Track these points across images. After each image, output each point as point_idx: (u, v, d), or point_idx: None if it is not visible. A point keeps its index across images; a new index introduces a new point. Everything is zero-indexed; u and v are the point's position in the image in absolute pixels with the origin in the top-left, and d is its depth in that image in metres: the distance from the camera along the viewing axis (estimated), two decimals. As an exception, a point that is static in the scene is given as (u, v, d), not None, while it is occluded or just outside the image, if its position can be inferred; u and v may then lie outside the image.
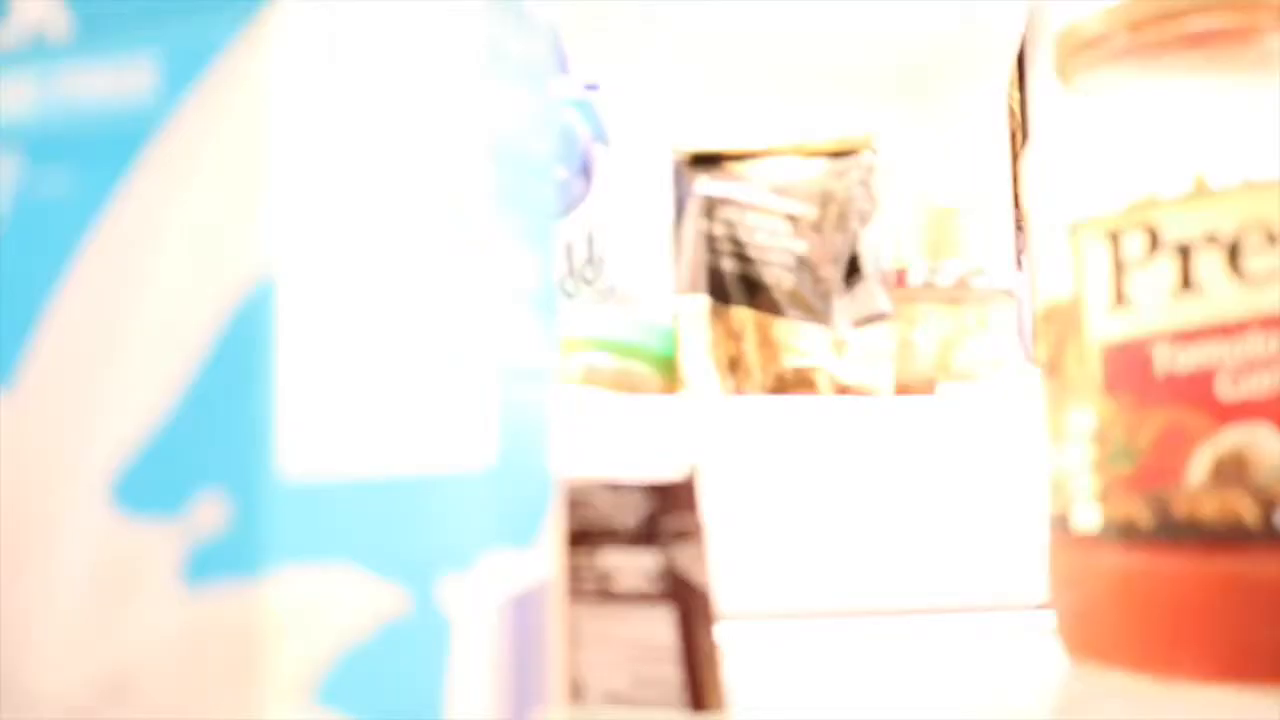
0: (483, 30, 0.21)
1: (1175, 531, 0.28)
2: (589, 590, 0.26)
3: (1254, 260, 0.28)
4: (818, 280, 0.60)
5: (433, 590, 0.18)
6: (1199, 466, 0.28)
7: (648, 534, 0.25)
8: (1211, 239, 0.29)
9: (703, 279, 0.61)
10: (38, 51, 0.17)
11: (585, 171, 0.69)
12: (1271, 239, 0.28)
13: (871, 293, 0.60)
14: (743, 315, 0.60)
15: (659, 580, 0.25)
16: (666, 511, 0.25)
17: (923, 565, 0.52)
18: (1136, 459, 0.29)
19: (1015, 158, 0.85)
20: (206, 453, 0.15)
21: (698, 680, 0.26)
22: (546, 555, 0.23)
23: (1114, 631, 0.30)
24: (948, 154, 0.85)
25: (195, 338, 0.15)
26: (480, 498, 0.20)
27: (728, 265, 0.61)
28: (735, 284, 0.60)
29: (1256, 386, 0.28)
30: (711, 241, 0.61)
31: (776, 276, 0.60)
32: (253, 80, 0.16)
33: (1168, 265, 0.29)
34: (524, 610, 0.21)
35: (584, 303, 0.71)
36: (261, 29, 0.16)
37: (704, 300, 0.61)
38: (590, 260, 0.72)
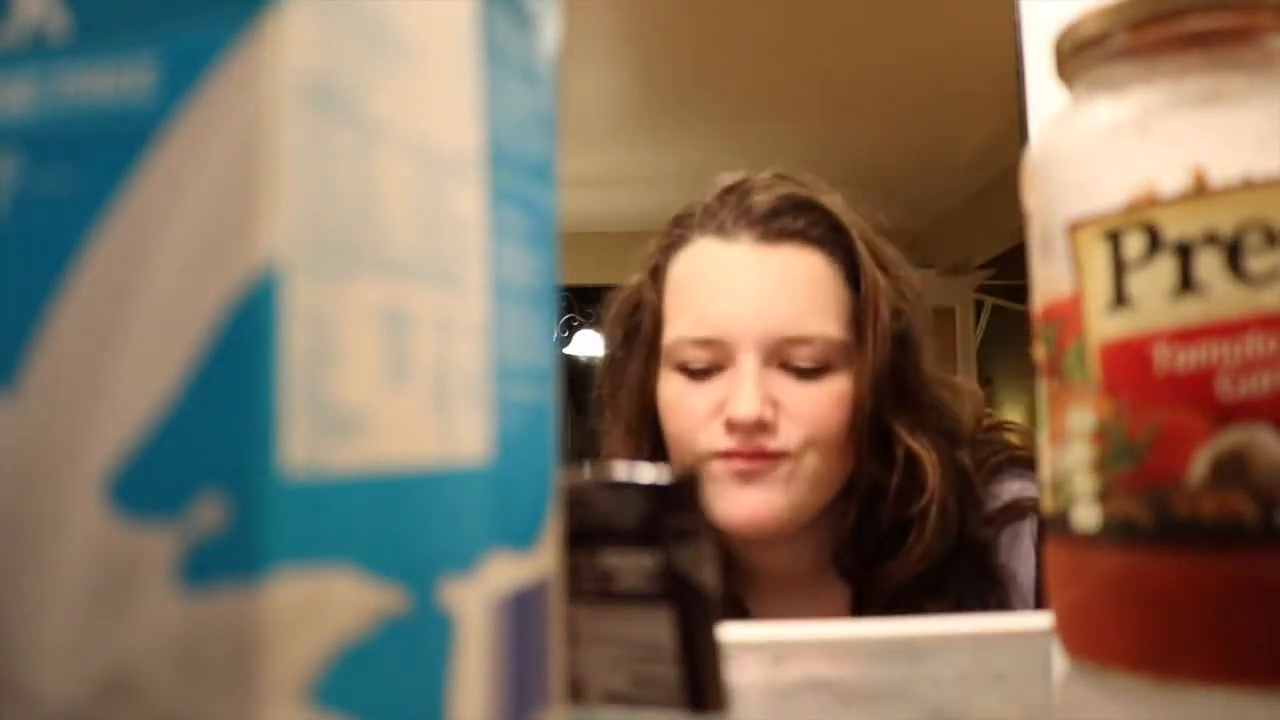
0: (482, 30, 0.21)
1: (1175, 531, 0.28)
2: (589, 590, 0.26)
3: (1254, 260, 0.28)
4: None
5: (433, 590, 0.18)
6: (1199, 466, 0.28)
7: (648, 534, 0.25)
8: (1211, 239, 0.29)
9: None
10: (38, 51, 0.17)
11: None
12: (1271, 239, 0.28)
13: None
14: None
15: (659, 580, 0.25)
16: (666, 511, 0.25)
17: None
18: (1136, 459, 0.29)
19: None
20: (206, 453, 0.15)
21: (698, 680, 0.26)
22: (546, 555, 0.23)
23: (1113, 632, 0.30)
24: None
25: (195, 338, 0.15)
26: (480, 498, 0.20)
27: None
28: None
29: (1256, 386, 0.28)
30: None
31: None
32: (252, 80, 0.16)
33: (1168, 265, 0.29)
34: (524, 610, 0.21)
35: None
36: (261, 29, 0.16)
37: None
38: None
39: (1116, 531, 0.30)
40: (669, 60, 3.25)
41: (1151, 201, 0.29)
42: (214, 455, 0.15)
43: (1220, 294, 0.28)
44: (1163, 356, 0.29)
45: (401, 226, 0.18)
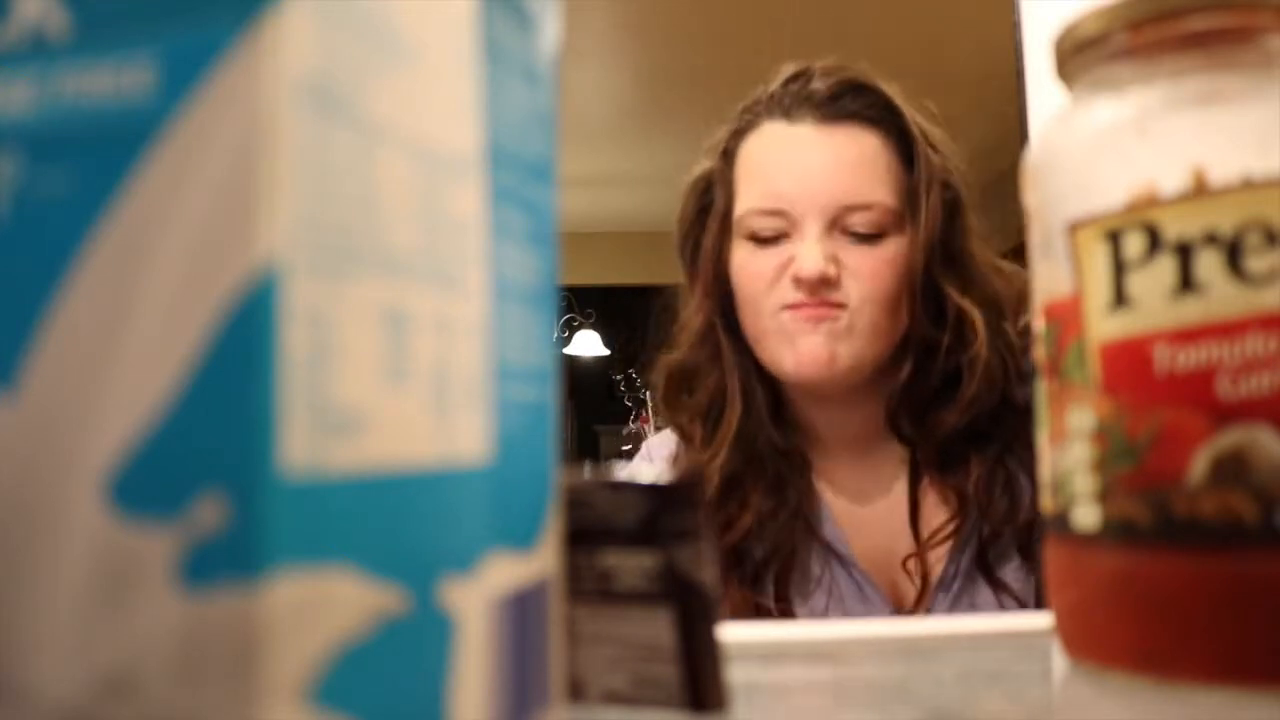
0: (482, 30, 0.21)
1: (1175, 531, 0.28)
2: (589, 590, 0.26)
3: (1254, 260, 0.28)
4: None
5: (433, 590, 0.18)
6: (1199, 466, 0.28)
7: (648, 534, 0.25)
8: (1211, 239, 0.29)
9: None
10: (38, 51, 0.17)
11: None
12: (1271, 239, 0.28)
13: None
14: None
15: (659, 580, 0.25)
16: (666, 511, 0.25)
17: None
18: (1136, 459, 0.29)
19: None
20: (206, 453, 0.15)
21: (698, 680, 0.26)
22: (546, 555, 0.23)
23: (1113, 631, 0.30)
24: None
25: (195, 337, 0.15)
26: (480, 498, 0.20)
27: None
28: None
29: (1256, 386, 0.28)
30: None
31: None
32: (252, 80, 0.16)
33: (1168, 265, 0.29)
34: (524, 610, 0.21)
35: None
36: (261, 29, 0.16)
37: None
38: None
39: (1116, 531, 0.30)
40: (669, 60, 3.25)
41: (1151, 201, 0.29)
42: (214, 455, 0.15)
43: (1220, 294, 0.28)
44: (1163, 356, 0.29)
45: (401, 226, 0.18)
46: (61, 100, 0.17)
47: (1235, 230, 0.28)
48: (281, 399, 0.15)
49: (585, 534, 0.26)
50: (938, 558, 0.76)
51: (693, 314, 0.81)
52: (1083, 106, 0.33)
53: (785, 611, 0.76)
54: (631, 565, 0.26)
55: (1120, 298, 0.30)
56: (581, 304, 5.03)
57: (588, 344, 5.06)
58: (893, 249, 0.75)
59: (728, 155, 0.80)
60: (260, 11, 0.16)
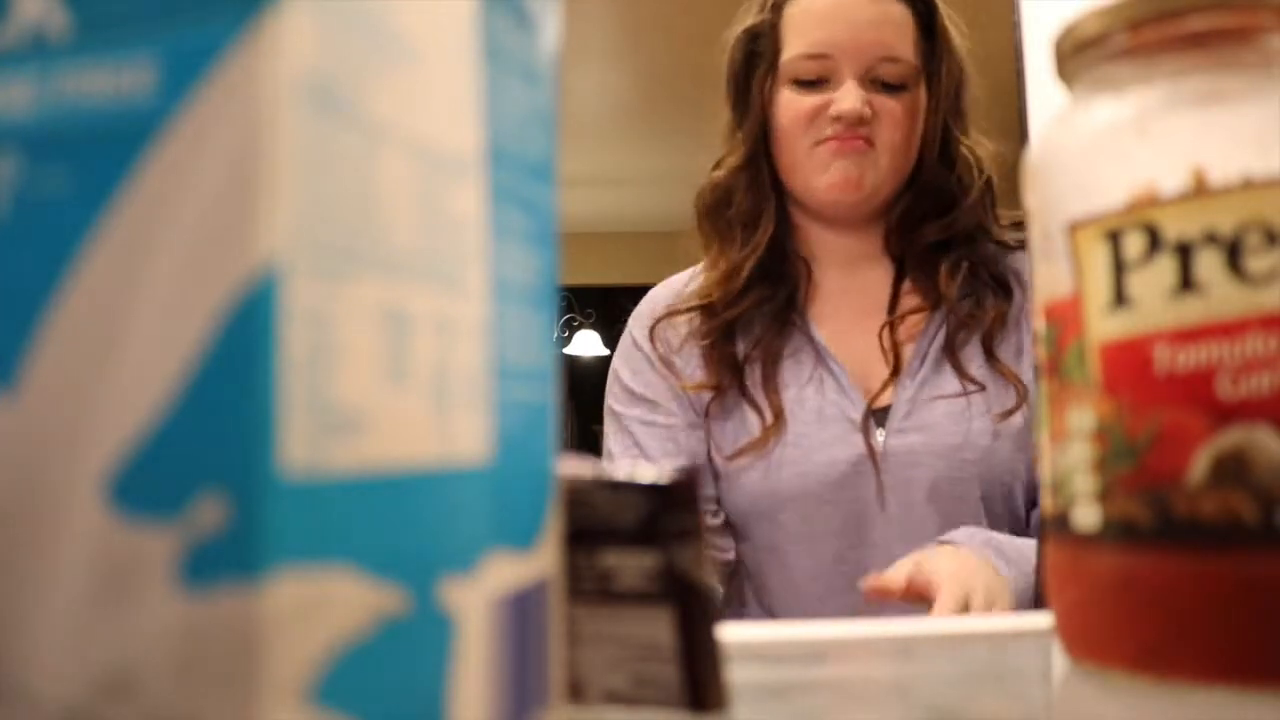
0: (482, 30, 0.21)
1: (1175, 531, 0.28)
2: (589, 590, 0.26)
3: (1254, 260, 0.28)
4: None
5: (433, 590, 0.18)
6: (1199, 466, 0.28)
7: (648, 534, 0.25)
8: (1211, 239, 0.29)
9: None
10: (38, 51, 0.17)
11: None
12: (1271, 239, 0.28)
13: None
14: None
15: (659, 580, 0.25)
16: (666, 511, 0.25)
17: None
18: (1136, 459, 0.29)
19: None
20: (206, 453, 0.15)
21: (698, 680, 0.26)
22: (546, 555, 0.23)
23: (1113, 631, 0.30)
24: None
25: (194, 337, 0.15)
26: (480, 497, 0.20)
27: None
28: None
29: (1256, 386, 0.28)
30: None
31: None
32: (252, 80, 0.16)
33: (1167, 265, 0.29)
34: (524, 610, 0.21)
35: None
36: (261, 29, 0.16)
37: None
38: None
39: (1116, 531, 0.30)
40: (669, 60, 3.25)
41: (1151, 201, 0.29)
42: (214, 455, 0.15)
43: (1220, 294, 0.28)
44: (1163, 356, 0.29)
45: (401, 226, 0.18)
46: (61, 100, 0.17)
47: (1235, 230, 0.28)
48: (281, 399, 0.15)
49: (585, 534, 0.26)
50: (908, 339, 0.93)
51: (736, 145, 0.97)
52: (1083, 106, 0.33)
53: (773, 399, 0.92)
54: (631, 565, 0.26)
55: (1120, 298, 0.30)
56: (581, 304, 5.03)
57: (588, 344, 5.06)
58: (911, 100, 0.92)
59: (776, 10, 0.95)
60: (260, 11, 0.16)
